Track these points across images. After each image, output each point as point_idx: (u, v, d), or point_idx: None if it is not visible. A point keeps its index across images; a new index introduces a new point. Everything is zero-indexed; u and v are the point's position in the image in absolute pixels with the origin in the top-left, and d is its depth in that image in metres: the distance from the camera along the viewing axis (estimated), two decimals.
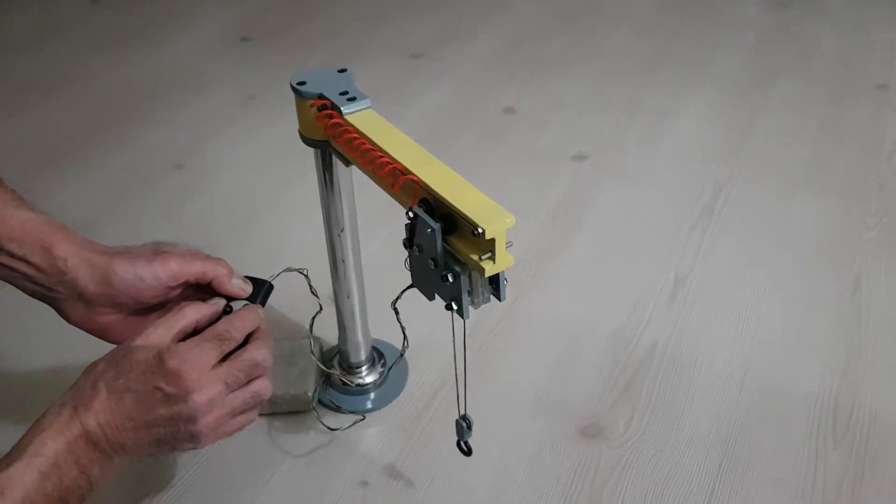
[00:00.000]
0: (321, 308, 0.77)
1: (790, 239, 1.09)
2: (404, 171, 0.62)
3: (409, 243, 0.63)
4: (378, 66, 1.53)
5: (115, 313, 0.69)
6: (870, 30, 1.61)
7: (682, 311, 0.98)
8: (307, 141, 0.72)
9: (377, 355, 0.90)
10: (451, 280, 0.61)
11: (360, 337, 0.86)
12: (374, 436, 0.84)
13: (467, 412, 0.74)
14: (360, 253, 0.81)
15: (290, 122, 0.73)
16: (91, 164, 1.28)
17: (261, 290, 0.72)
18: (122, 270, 0.66)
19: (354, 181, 0.76)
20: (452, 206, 0.58)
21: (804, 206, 1.15)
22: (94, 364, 0.64)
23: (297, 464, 0.82)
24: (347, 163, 0.71)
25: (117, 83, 1.51)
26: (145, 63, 1.57)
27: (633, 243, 1.09)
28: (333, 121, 0.68)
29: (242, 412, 0.67)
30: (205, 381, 0.63)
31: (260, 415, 0.85)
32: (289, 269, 0.74)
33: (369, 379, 0.88)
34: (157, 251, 0.69)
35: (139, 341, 0.64)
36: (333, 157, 0.73)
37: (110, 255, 0.67)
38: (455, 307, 0.62)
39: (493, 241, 0.57)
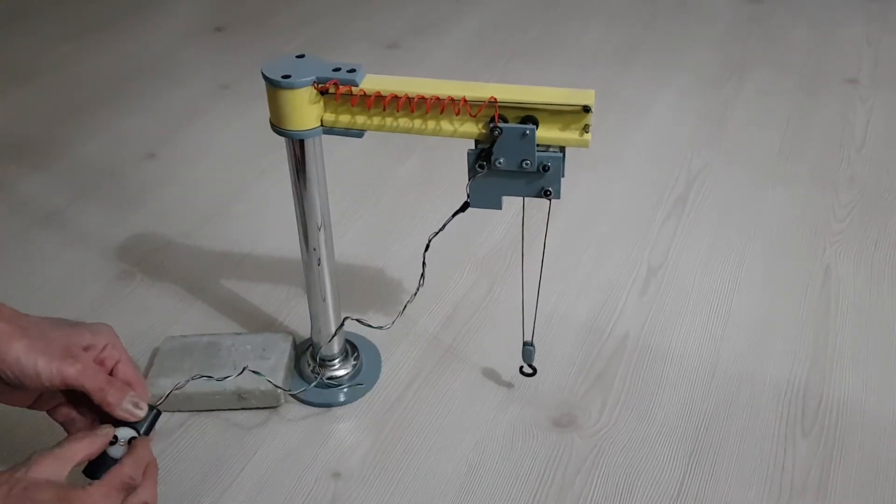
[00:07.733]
0: None
1: (761, 229, 1.10)
2: (475, 100, 0.67)
3: (485, 164, 0.68)
4: (354, 57, 1.52)
5: None
6: (839, 25, 1.63)
7: (655, 302, 0.98)
8: (292, 133, 0.71)
9: (350, 348, 0.90)
10: (549, 168, 0.69)
11: (332, 330, 0.85)
12: (346, 428, 0.84)
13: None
14: (332, 245, 0.80)
15: (263, 112, 0.72)
16: (61, 153, 1.27)
17: (147, 417, 0.68)
18: (21, 353, 0.62)
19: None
20: (548, 104, 0.66)
21: (775, 196, 1.16)
22: None
23: (268, 456, 0.81)
24: (360, 134, 0.71)
25: (90, 72, 1.49)
26: (118, 52, 1.55)
27: (607, 234, 1.09)
28: (357, 94, 0.68)
29: None
30: None
31: (231, 409, 0.85)
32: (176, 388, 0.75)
33: (342, 372, 0.88)
34: (69, 351, 0.64)
35: (36, 472, 0.60)
36: (307, 148, 0.72)
37: (20, 331, 0.62)
38: (549, 193, 0.71)
39: (590, 113, 0.67)
